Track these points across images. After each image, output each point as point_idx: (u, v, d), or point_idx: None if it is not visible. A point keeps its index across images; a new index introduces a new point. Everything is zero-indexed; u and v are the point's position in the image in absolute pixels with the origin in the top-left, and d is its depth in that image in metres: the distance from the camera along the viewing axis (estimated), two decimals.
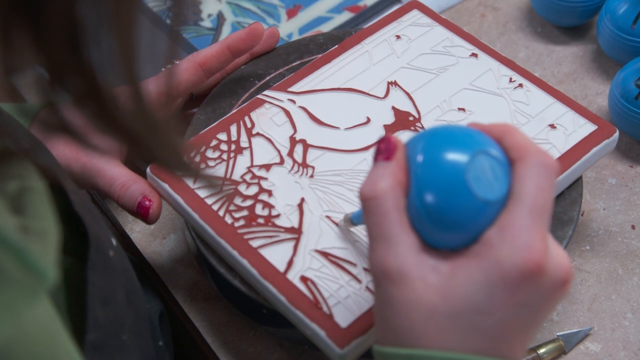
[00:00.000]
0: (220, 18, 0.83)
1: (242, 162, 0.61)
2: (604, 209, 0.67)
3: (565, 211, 0.60)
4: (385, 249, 0.43)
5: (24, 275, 0.33)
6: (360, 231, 0.56)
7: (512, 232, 0.42)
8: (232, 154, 0.61)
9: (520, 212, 0.42)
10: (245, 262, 0.55)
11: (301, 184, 0.59)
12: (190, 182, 0.59)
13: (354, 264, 0.55)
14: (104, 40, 0.35)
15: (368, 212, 0.44)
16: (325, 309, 0.53)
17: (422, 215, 0.43)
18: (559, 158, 0.60)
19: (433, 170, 0.43)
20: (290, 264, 0.55)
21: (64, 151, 0.60)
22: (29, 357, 0.35)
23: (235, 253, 0.55)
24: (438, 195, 0.43)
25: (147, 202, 0.59)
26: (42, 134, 0.41)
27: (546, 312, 0.44)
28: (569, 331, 0.60)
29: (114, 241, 0.49)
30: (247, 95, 0.67)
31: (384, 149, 0.45)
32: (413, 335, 0.42)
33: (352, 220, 0.55)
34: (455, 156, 0.43)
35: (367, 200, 0.44)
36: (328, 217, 0.57)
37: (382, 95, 0.65)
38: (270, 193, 0.59)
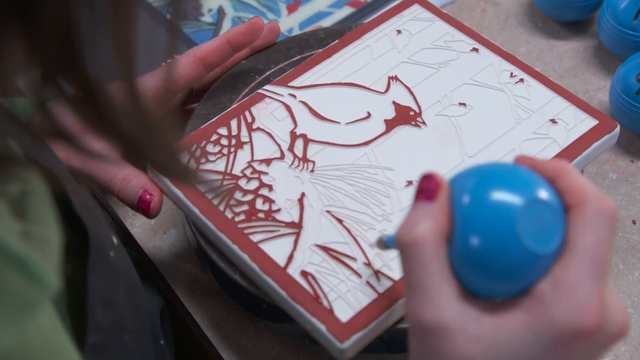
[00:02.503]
0: (220, 13, 0.82)
1: (242, 157, 0.61)
2: None
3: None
4: (423, 299, 0.41)
5: (25, 285, 0.33)
6: (361, 226, 0.56)
7: (568, 289, 0.39)
8: (232, 149, 0.61)
9: (577, 268, 0.39)
10: (245, 256, 0.55)
11: (302, 178, 0.59)
12: None
13: (354, 259, 0.55)
14: (100, 41, 0.35)
15: (406, 258, 0.41)
16: (325, 303, 0.53)
17: (466, 262, 0.40)
18: (560, 153, 0.60)
19: (481, 215, 0.40)
20: (290, 258, 0.55)
21: (63, 146, 0.60)
22: None
23: (235, 248, 0.55)
24: (486, 242, 0.40)
25: (148, 196, 0.59)
26: (35, 138, 0.41)
27: None
28: None
29: (115, 240, 0.49)
30: (247, 90, 0.67)
31: (425, 188, 0.42)
32: None
33: (386, 243, 0.52)
34: (506, 202, 0.40)
35: (406, 245, 0.41)
36: (328, 211, 0.57)
37: (382, 90, 0.65)
38: (270, 188, 0.59)
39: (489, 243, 0.40)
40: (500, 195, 0.40)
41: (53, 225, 0.36)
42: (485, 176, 0.41)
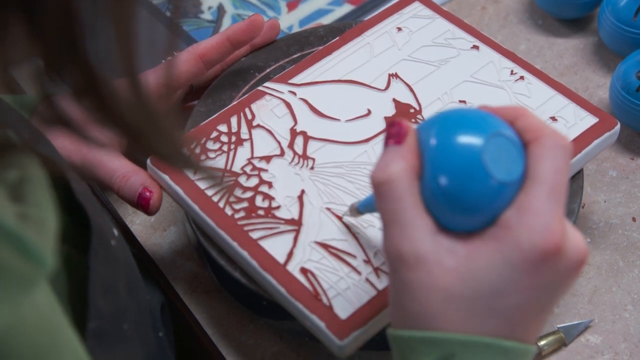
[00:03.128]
0: (220, 10, 0.82)
1: (242, 154, 0.61)
2: (605, 202, 0.66)
3: (566, 203, 0.59)
4: (399, 234, 0.43)
5: (21, 263, 0.33)
6: (361, 223, 0.56)
7: (530, 213, 0.41)
8: (232, 146, 0.61)
9: (538, 194, 0.42)
10: (245, 253, 0.55)
11: (301, 175, 0.59)
12: (190, 174, 0.59)
13: (353, 256, 0.55)
14: (102, 32, 0.35)
15: (380, 197, 0.44)
16: (325, 300, 0.53)
17: (438, 199, 0.43)
18: None
19: (448, 153, 0.43)
20: (290, 255, 0.55)
21: (64, 143, 0.60)
22: (28, 344, 0.35)
23: (235, 244, 0.55)
24: (454, 178, 0.42)
25: (147, 193, 0.59)
26: (41, 126, 0.41)
27: (561, 293, 0.43)
28: (570, 323, 0.59)
29: (115, 231, 0.49)
30: (247, 87, 0.67)
31: (394, 133, 0.44)
32: (429, 318, 0.42)
33: (358, 209, 0.54)
34: (470, 138, 0.43)
35: (380, 184, 0.43)
36: (328, 208, 0.57)
37: (383, 87, 0.65)
38: (270, 185, 0.59)
39: (457, 177, 0.42)
40: (465, 132, 0.43)
41: (50, 208, 0.36)
42: (450, 119, 0.44)
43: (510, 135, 0.43)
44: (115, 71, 0.36)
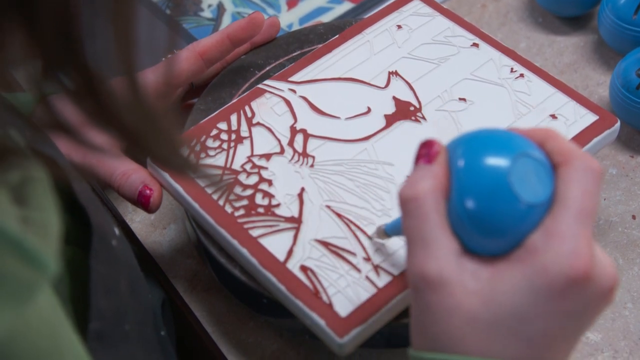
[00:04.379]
0: (220, 8, 0.82)
1: (242, 152, 0.61)
2: (605, 199, 0.66)
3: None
4: (423, 253, 0.42)
5: (24, 269, 0.33)
6: (361, 221, 0.56)
7: (558, 237, 0.40)
8: (232, 144, 0.61)
9: (566, 217, 0.41)
10: (245, 251, 0.55)
11: (301, 173, 0.59)
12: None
13: (353, 254, 0.55)
14: (100, 33, 0.35)
15: (407, 214, 0.43)
16: (324, 298, 0.53)
17: (464, 220, 0.42)
18: None
19: (475, 174, 0.42)
20: (290, 253, 0.55)
21: (64, 140, 0.60)
22: (31, 348, 0.35)
23: (235, 242, 0.55)
24: (481, 200, 0.42)
25: (147, 191, 0.59)
26: (37, 131, 0.41)
27: (590, 320, 0.42)
28: None
29: (116, 231, 0.49)
30: (247, 85, 0.67)
31: (425, 153, 0.44)
32: (451, 340, 0.41)
33: (385, 231, 0.53)
34: (497, 159, 0.42)
35: (407, 201, 0.43)
36: (328, 206, 0.57)
37: (383, 85, 0.65)
38: (270, 182, 0.59)
39: (484, 199, 0.42)
40: (492, 153, 0.42)
41: (53, 211, 0.36)
42: (478, 139, 0.44)
43: (539, 156, 0.43)
44: (113, 73, 0.36)
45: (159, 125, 0.39)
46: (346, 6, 0.82)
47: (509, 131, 0.44)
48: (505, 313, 0.41)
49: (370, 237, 0.55)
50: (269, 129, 0.62)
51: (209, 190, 0.58)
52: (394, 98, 0.64)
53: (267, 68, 0.68)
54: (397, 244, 0.55)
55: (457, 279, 0.41)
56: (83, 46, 0.34)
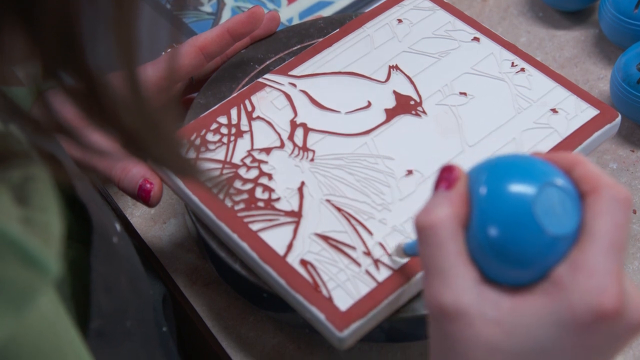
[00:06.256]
0: (220, 2, 0.82)
1: (242, 146, 0.60)
2: None
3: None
4: (440, 282, 0.41)
5: (26, 271, 0.33)
6: (361, 215, 0.56)
7: (586, 272, 0.39)
8: (232, 138, 0.61)
9: (595, 251, 0.39)
10: (245, 245, 0.55)
11: (301, 167, 0.59)
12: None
13: (353, 248, 0.55)
14: (101, 33, 0.34)
15: (423, 242, 0.42)
16: (324, 292, 0.52)
17: (486, 250, 0.41)
18: (561, 143, 0.60)
19: (498, 202, 0.41)
20: (290, 247, 0.55)
21: (63, 140, 0.60)
22: (32, 351, 0.34)
23: (235, 236, 0.55)
24: (504, 229, 0.40)
25: (148, 185, 0.59)
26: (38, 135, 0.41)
27: (618, 352, 0.41)
28: None
29: (118, 227, 0.49)
30: (247, 79, 0.67)
31: (445, 177, 0.42)
32: None
33: (405, 250, 0.52)
34: (522, 188, 0.40)
35: (423, 229, 0.41)
36: (328, 200, 0.57)
37: (383, 79, 0.64)
38: (270, 176, 0.59)
39: (507, 228, 0.40)
40: (516, 181, 0.41)
41: (55, 211, 0.36)
42: (502, 166, 0.42)
43: (565, 185, 0.41)
44: (114, 70, 0.35)
45: (159, 125, 0.38)
46: (346, 0, 0.82)
47: (534, 157, 0.43)
48: (528, 345, 0.39)
49: (389, 255, 0.54)
50: (269, 123, 0.62)
51: (208, 184, 0.58)
52: (395, 92, 0.64)
53: (267, 62, 0.68)
54: (398, 238, 0.55)
55: (476, 309, 0.40)
56: (83, 46, 0.34)
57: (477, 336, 0.40)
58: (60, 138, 0.37)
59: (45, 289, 0.35)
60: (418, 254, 0.48)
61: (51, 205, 0.36)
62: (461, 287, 0.40)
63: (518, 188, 0.41)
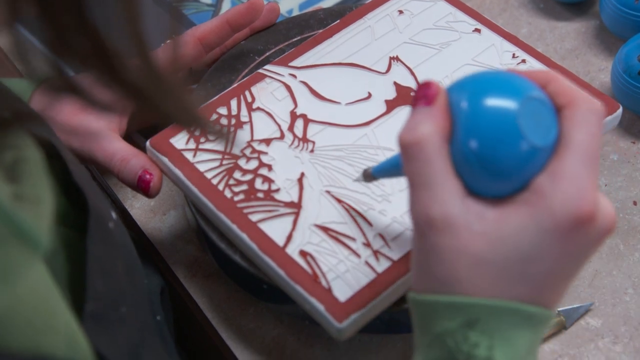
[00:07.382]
0: None
1: (242, 136, 0.60)
2: (606, 185, 0.66)
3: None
4: (428, 196, 0.42)
5: (16, 244, 0.33)
6: (361, 206, 0.56)
7: (565, 179, 0.41)
8: (232, 128, 0.61)
9: (573, 160, 0.41)
10: (244, 236, 0.55)
11: (301, 158, 0.59)
12: (190, 156, 0.59)
13: (353, 239, 0.54)
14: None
15: (409, 158, 0.42)
16: (324, 283, 0.52)
17: (470, 162, 0.42)
18: None
19: (482, 116, 0.41)
20: (289, 238, 0.55)
21: (62, 127, 0.60)
22: (24, 325, 0.35)
23: (234, 227, 0.55)
24: (488, 141, 0.41)
25: (147, 176, 0.59)
26: (47, 97, 0.41)
27: (586, 261, 0.43)
28: (570, 306, 0.59)
29: (113, 214, 0.49)
30: (247, 70, 0.67)
31: (423, 95, 0.43)
32: (455, 282, 0.42)
33: (372, 173, 0.53)
34: (506, 101, 0.41)
35: (408, 146, 0.42)
36: (328, 191, 0.57)
37: (383, 71, 0.64)
38: (270, 167, 0.59)
39: (491, 140, 0.41)
40: (499, 95, 0.42)
41: (46, 188, 0.36)
42: (482, 81, 0.43)
43: (544, 98, 0.43)
44: (121, 36, 0.36)
45: (169, 83, 0.39)
46: None
47: (512, 73, 0.44)
48: (512, 254, 0.41)
49: (354, 180, 0.55)
50: (269, 114, 0.62)
51: (208, 175, 0.58)
52: (395, 83, 0.63)
53: (267, 54, 0.68)
54: (397, 230, 0.55)
55: (463, 221, 0.41)
56: (92, 12, 0.34)
57: (463, 247, 0.41)
58: (71, 99, 0.38)
59: (36, 262, 0.35)
60: (386, 176, 0.51)
61: (42, 182, 0.37)
62: (449, 200, 0.42)
63: (502, 101, 0.41)
